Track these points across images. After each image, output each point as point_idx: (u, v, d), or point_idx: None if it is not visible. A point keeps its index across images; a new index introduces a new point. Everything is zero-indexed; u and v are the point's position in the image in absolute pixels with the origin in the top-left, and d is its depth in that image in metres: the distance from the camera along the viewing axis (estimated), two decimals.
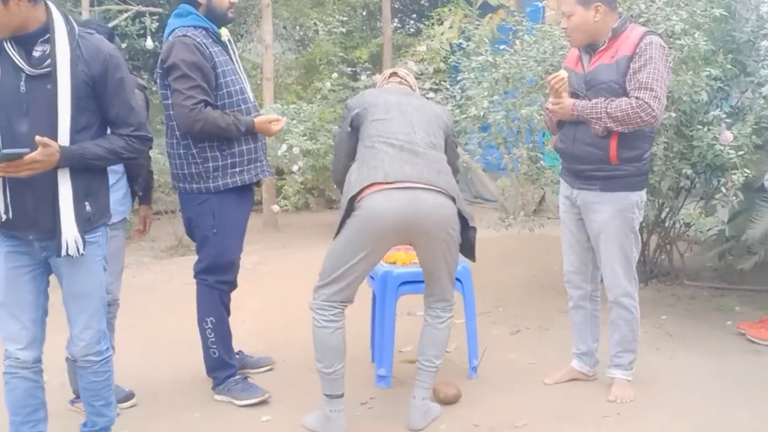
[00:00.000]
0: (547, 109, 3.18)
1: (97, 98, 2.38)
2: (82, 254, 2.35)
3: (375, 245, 2.77)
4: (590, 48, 3.06)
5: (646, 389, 3.16)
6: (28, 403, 2.47)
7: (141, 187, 3.36)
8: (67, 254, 2.31)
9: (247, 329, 4.01)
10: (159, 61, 3.17)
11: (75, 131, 2.33)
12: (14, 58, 2.28)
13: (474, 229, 2.91)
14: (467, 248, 2.95)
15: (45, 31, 2.29)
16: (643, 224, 4.41)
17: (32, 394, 2.48)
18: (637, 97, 2.88)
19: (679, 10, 3.79)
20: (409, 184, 2.71)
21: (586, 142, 3.03)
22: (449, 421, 2.94)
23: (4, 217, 2.32)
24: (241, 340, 3.56)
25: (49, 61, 2.27)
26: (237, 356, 3.48)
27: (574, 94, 3.07)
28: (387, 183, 2.70)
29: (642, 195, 3.11)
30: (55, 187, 2.30)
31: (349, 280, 2.78)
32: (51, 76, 2.27)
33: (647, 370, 3.33)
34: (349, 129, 2.96)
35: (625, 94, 2.93)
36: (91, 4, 7.07)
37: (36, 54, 2.29)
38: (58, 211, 2.31)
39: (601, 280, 3.23)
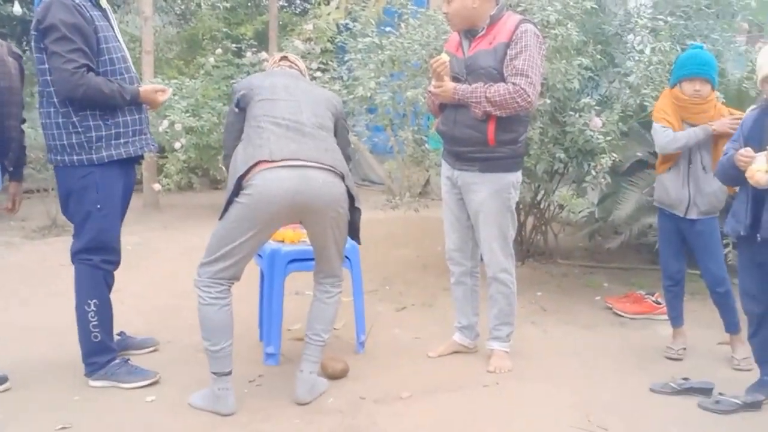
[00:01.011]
0: (430, 92, 3.26)
1: None
2: None
3: (264, 224, 2.76)
4: (470, 33, 3.17)
5: (522, 360, 3.34)
6: None
7: (12, 162, 3.16)
8: None
9: (127, 311, 3.87)
10: (34, 21, 2.93)
11: None
12: None
13: (359, 210, 2.96)
14: (352, 230, 2.99)
15: None
16: (520, 205, 4.63)
17: None
18: (513, 83, 3.02)
19: (554, 1, 4.00)
20: (295, 162, 2.71)
21: (467, 124, 3.14)
22: (336, 395, 2.99)
23: None
24: (121, 322, 3.44)
25: None
26: (119, 337, 3.36)
27: (455, 78, 3.16)
28: (273, 161, 2.69)
29: (518, 176, 3.27)
30: None
31: (236, 258, 2.76)
32: None
33: (524, 343, 3.53)
34: (236, 110, 2.94)
35: (503, 79, 3.06)
36: None
37: None
38: None
39: (481, 258, 3.38)
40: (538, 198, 4.89)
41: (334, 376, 3.14)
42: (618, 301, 4.16)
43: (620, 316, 4.06)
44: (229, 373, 2.82)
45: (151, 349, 3.49)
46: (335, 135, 2.99)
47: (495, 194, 3.18)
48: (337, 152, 2.89)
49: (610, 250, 4.78)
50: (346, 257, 3.33)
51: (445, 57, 3.12)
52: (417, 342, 3.62)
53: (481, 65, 3.10)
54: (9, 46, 3.13)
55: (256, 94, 2.90)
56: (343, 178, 2.83)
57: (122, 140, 3.03)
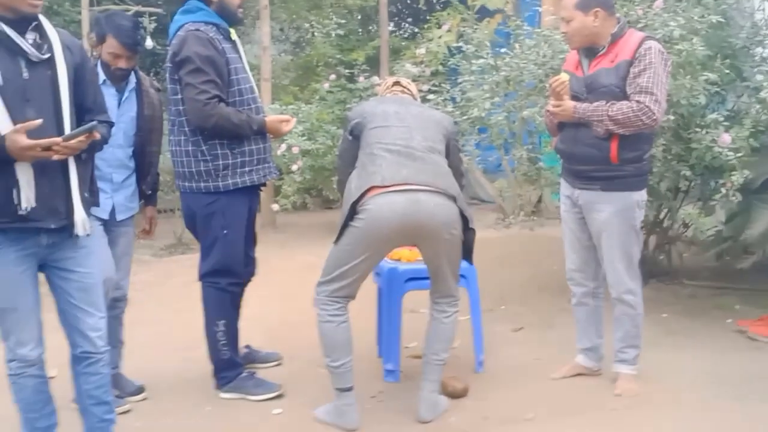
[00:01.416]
0: (548, 111, 3.23)
1: (76, 85, 2.37)
2: (89, 235, 2.40)
3: (377, 248, 2.84)
4: (590, 52, 3.12)
5: (651, 384, 3.21)
6: (38, 399, 2.46)
7: (149, 186, 3.36)
8: (78, 236, 2.36)
9: (250, 327, 4.00)
10: (170, 54, 3.12)
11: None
12: (19, 44, 2.23)
13: (473, 231, 2.96)
14: (465, 250, 2.99)
15: (34, 18, 2.29)
16: (643, 224, 4.48)
17: (40, 389, 2.47)
18: (638, 101, 2.95)
19: (677, 17, 3.88)
20: (407, 187, 2.76)
21: (587, 143, 3.08)
22: (458, 414, 2.99)
23: (26, 207, 2.25)
24: (245, 338, 3.58)
25: (46, 47, 2.28)
26: (245, 350, 3.51)
27: (574, 97, 3.12)
28: (385, 186, 2.76)
29: (643, 194, 3.18)
30: (66, 172, 2.32)
31: (351, 279, 2.85)
32: (51, 62, 2.28)
33: (651, 366, 3.37)
34: (350, 137, 3.04)
35: (626, 97, 3.00)
36: (91, 4, 7.08)
37: (30, 40, 2.26)
38: (71, 196, 2.33)
39: (604, 278, 3.29)
40: (661, 216, 4.72)
41: (455, 395, 3.14)
42: (753, 324, 3.92)
43: (755, 340, 3.82)
44: (351, 388, 2.88)
45: (275, 363, 3.60)
46: (447, 155, 3.02)
47: (619, 213, 3.10)
48: (449, 175, 2.91)
49: (741, 271, 4.52)
50: (463, 276, 3.34)
51: (564, 76, 3.09)
52: (537, 363, 3.55)
53: (602, 83, 3.05)
54: (151, 80, 3.34)
55: (368, 122, 2.98)
56: (455, 200, 2.84)
57: (247, 168, 3.16)
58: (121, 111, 3.11)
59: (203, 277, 3.24)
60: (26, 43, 2.26)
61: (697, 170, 4.10)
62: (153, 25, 7.41)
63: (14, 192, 2.24)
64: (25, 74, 2.25)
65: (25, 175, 2.25)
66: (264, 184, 3.38)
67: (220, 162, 3.11)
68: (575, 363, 3.39)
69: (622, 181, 3.09)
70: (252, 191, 3.27)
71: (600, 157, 3.07)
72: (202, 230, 3.22)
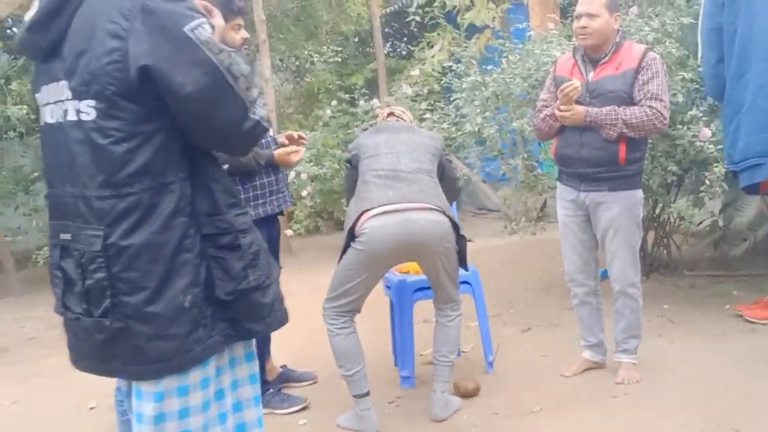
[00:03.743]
0: (549, 115, 3.36)
1: None
2: None
3: (376, 268, 3.07)
4: (590, 59, 3.31)
5: (650, 371, 3.40)
6: None
7: None
8: None
9: (275, 349, 4.22)
10: None
11: None
12: None
13: (464, 238, 3.18)
14: (460, 257, 3.19)
15: None
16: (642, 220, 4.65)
17: None
18: (650, 106, 3.15)
19: (650, 21, 4.10)
20: (397, 207, 2.98)
21: (595, 146, 3.25)
22: (470, 412, 3.18)
23: None
24: (276, 359, 3.79)
25: None
26: (281, 370, 3.73)
27: (577, 102, 3.25)
28: (373, 208, 2.99)
29: (641, 192, 3.38)
30: None
31: (354, 296, 3.09)
32: None
33: (651, 355, 3.57)
34: (349, 166, 3.35)
35: (632, 102, 3.20)
36: None
37: None
38: None
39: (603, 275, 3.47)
40: (657, 211, 4.90)
41: (467, 395, 3.34)
42: (748, 307, 4.09)
43: (751, 322, 3.99)
44: (367, 394, 3.09)
45: (311, 381, 3.79)
46: (442, 171, 3.27)
47: (626, 211, 3.28)
48: (436, 190, 3.13)
49: (738, 258, 4.69)
50: (467, 283, 3.56)
51: (576, 82, 3.20)
52: (545, 360, 3.75)
53: (609, 89, 3.22)
54: None
55: (362, 153, 3.26)
56: (443, 212, 3.04)
57: (260, 201, 3.36)
58: None
59: None
60: None
61: (684, 165, 4.29)
62: None
63: None
64: None
65: None
66: (282, 213, 3.58)
67: None
68: (583, 359, 3.56)
69: (627, 180, 3.27)
70: (269, 221, 3.45)
71: (608, 159, 3.24)
72: None
